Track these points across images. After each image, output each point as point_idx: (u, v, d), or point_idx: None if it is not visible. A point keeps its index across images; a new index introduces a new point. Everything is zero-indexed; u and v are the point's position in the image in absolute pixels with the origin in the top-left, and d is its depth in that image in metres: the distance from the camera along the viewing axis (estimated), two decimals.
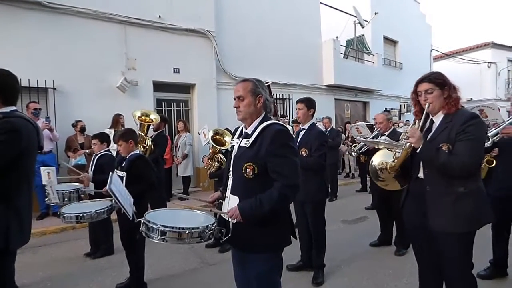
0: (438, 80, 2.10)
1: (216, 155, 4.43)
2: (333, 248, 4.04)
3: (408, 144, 1.99)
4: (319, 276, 3.44)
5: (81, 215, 2.82)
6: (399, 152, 2.10)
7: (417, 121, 2.16)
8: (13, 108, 2.04)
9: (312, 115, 3.52)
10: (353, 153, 5.03)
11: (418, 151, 1.99)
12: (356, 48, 13.26)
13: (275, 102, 9.69)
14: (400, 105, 15.03)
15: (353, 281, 3.46)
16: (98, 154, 3.99)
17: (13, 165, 1.92)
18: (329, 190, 3.98)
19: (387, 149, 2.24)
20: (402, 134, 2.17)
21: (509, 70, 20.57)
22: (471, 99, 18.19)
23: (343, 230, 5.28)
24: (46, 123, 5.58)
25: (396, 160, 2.17)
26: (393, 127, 4.40)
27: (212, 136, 4.35)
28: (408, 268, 3.59)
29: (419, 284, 2.39)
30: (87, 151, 6.11)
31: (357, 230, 5.28)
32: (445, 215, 2.01)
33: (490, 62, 19.55)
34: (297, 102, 3.58)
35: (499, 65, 19.70)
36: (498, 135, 2.97)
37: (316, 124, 3.70)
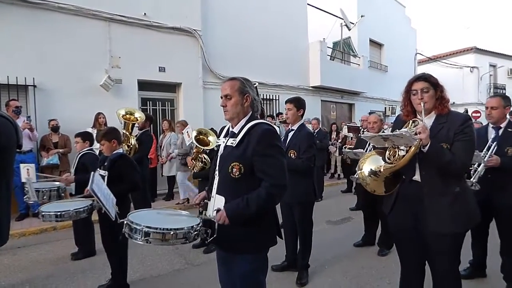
0: (433, 80, 2.13)
1: (200, 155, 4.39)
2: (318, 249, 4.07)
3: (418, 140, 1.94)
4: (304, 276, 3.45)
5: (60, 213, 2.72)
6: (403, 151, 2.04)
7: (417, 120, 2.13)
8: None
9: (302, 115, 3.46)
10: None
11: (426, 147, 1.95)
12: (342, 50, 13.41)
13: (262, 102, 9.69)
14: (385, 108, 15.28)
15: (337, 281, 3.49)
16: (80, 152, 3.91)
17: None
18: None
19: (393, 146, 2.12)
20: (403, 132, 1.99)
21: (490, 75, 21.21)
22: (454, 103, 18.68)
23: (327, 231, 5.32)
24: (27, 123, 5.47)
25: (398, 160, 2.06)
26: (382, 129, 4.42)
27: (195, 136, 4.30)
28: (391, 268, 3.64)
29: (400, 285, 2.40)
30: (60, 150, 5.97)
31: (341, 230, 5.33)
32: (444, 216, 2.04)
33: (472, 67, 20.10)
34: (286, 102, 3.50)
35: (481, 70, 20.29)
36: (481, 165, 2.95)
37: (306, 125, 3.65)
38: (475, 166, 2.96)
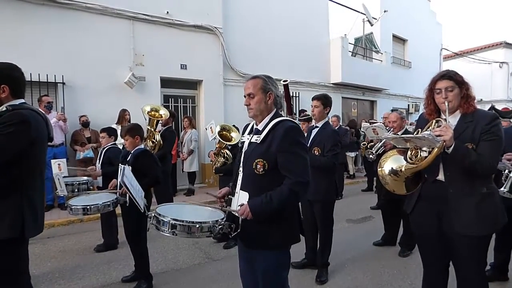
0: (458, 78, 2.05)
1: (222, 151, 4.45)
2: (338, 247, 4.04)
3: (441, 142, 1.86)
4: (323, 274, 3.44)
5: (88, 207, 2.89)
6: (425, 152, 1.96)
7: (441, 120, 2.06)
8: (22, 100, 2.07)
9: (328, 113, 3.45)
10: (371, 156, 4.62)
11: (450, 149, 1.89)
12: (364, 46, 13.15)
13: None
14: (408, 105, 14.88)
15: (357, 280, 3.47)
16: (105, 147, 4.08)
17: (25, 155, 1.95)
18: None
19: (415, 147, 2.05)
20: (425, 134, 1.93)
21: None
22: (481, 100, 17.97)
23: (348, 229, 5.28)
24: (61, 114, 5.75)
25: (420, 160, 2.00)
26: (405, 127, 4.32)
27: (219, 132, 4.38)
28: (413, 269, 3.58)
29: (423, 286, 2.33)
30: (94, 145, 6.25)
31: (362, 229, 5.27)
32: (470, 217, 1.97)
33: (502, 62, 19.21)
34: (313, 99, 3.47)
35: (511, 65, 19.37)
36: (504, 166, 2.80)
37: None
38: (506, 172, 2.79)
